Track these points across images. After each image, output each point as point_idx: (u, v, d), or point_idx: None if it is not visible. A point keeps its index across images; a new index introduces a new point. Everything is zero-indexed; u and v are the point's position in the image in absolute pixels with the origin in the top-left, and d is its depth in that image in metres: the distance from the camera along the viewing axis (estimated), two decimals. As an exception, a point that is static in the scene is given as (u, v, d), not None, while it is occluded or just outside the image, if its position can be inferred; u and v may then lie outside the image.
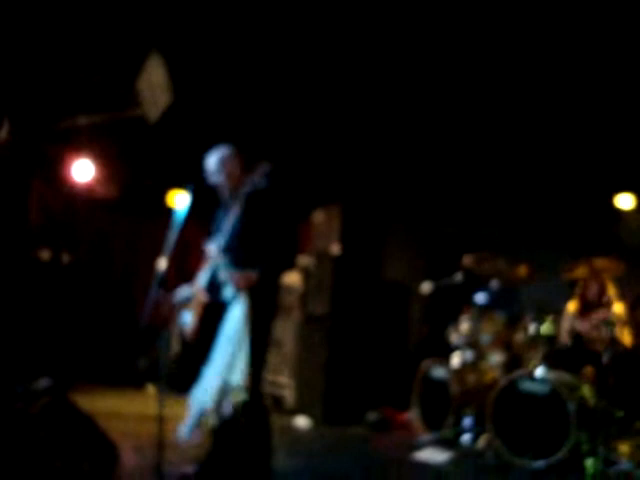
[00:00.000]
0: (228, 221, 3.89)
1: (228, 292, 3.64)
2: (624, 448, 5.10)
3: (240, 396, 3.54)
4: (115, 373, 7.80)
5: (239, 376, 3.50)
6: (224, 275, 3.70)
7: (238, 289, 3.61)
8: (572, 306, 5.80)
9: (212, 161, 4.00)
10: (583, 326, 5.59)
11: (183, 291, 3.93)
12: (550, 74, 5.54)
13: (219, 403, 3.49)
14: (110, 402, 6.59)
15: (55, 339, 7.22)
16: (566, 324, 5.80)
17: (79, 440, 3.09)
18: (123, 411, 6.20)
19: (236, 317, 3.58)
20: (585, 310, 5.70)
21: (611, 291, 5.56)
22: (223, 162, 3.96)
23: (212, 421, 3.54)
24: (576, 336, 5.58)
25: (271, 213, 3.83)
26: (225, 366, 3.49)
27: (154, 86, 5.11)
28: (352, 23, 5.18)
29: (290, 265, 3.97)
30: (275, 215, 3.84)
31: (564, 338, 5.80)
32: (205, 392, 3.51)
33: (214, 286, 3.80)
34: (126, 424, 5.34)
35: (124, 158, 7.75)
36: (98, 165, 7.59)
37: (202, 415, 3.53)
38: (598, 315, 5.51)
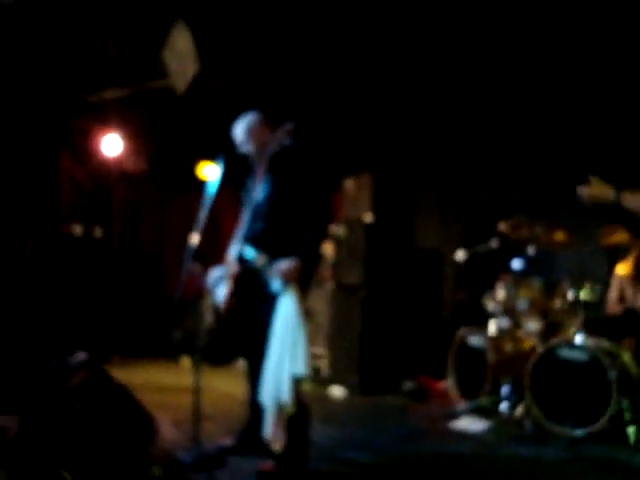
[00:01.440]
0: (257, 189, 3.83)
1: (275, 285, 3.58)
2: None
3: (305, 385, 3.55)
4: (149, 346, 7.85)
5: (303, 365, 3.48)
6: (265, 270, 3.63)
7: (286, 282, 3.55)
8: (622, 270, 5.64)
9: (239, 130, 3.93)
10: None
11: (216, 271, 3.88)
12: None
13: (294, 393, 3.49)
14: (146, 374, 6.65)
15: (90, 313, 7.28)
16: (615, 289, 5.67)
17: (117, 413, 3.09)
18: (159, 383, 6.24)
19: (289, 308, 3.53)
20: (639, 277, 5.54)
21: None
22: (251, 130, 3.89)
23: (289, 411, 3.53)
24: (630, 311, 5.43)
25: (299, 172, 3.75)
26: (288, 357, 3.47)
27: (180, 56, 5.05)
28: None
29: (326, 235, 3.90)
30: (304, 174, 3.75)
31: (612, 304, 5.66)
32: (279, 387, 3.49)
33: (244, 257, 3.76)
34: (162, 396, 5.37)
35: (152, 131, 7.72)
36: (127, 139, 7.57)
37: (279, 410, 3.52)
38: None
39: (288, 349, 3.47)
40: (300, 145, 3.84)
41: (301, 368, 3.47)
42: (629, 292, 5.56)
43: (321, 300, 6.96)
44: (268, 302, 3.59)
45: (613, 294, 5.70)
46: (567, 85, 6.06)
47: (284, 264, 3.54)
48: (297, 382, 3.50)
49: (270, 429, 3.55)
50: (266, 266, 3.63)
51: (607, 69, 5.72)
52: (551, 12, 5.13)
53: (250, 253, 3.72)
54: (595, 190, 3.14)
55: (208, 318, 7.80)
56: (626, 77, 5.75)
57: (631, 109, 6.09)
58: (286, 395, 3.46)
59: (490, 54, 5.77)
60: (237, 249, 3.76)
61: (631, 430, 4.65)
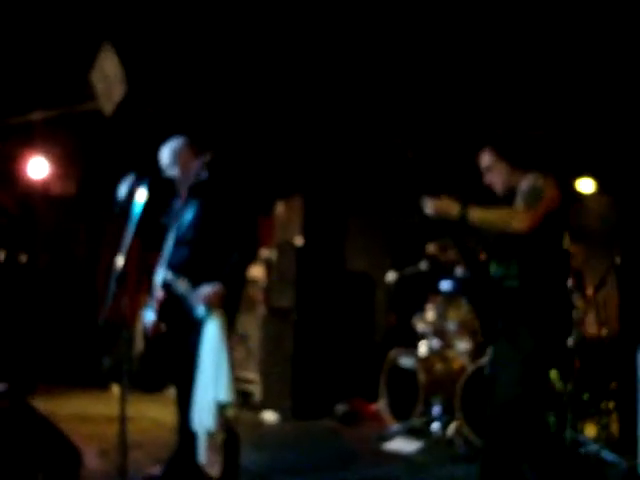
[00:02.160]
0: (182, 214, 3.80)
1: (200, 311, 3.55)
2: (591, 430, 5.16)
3: (230, 411, 3.49)
4: (79, 374, 7.64)
5: (226, 392, 3.44)
6: (189, 297, 3.60)
7: (210, 307, 3.52)
8: None
9: (166, 153, 3.89)
10: None
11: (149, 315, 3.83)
12: (509, 57, 5.52)
13: (219, 419, 3.43)
14: (74, 404, 6.45)
15: (13, 341, 7.04)
16: None
17: (39, 445, 2.99)
18: (88, 413, 6.07)
19: (213, 334, 3.50)
20: None
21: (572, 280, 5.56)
22: (177, 154, 3.85)
23: (221, 437, 3.47)
24: None
25: (223, 198, 3.73)
26: (212, 384, 3.43)
27: (108, 78, 4.99)
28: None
29: (252, 259, 3.87)
30: (228, 200, 3.74)
31: None
32: (204, 414, 3.45)
33: (169, 284, 3.71)
34: (91, 426, 5.22)
35: (81, 154, 7.58)
36: (54, 161, 7.40)
37: (210, 436, 3.47)
38: None
39: (212, 376, 3.44)
40: (224, 171, 3.82)
41: (224, 394, 3.43)
42: None
43: (253, 324, 6.92)
44: (195, 328, 3.55)
45: None
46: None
47: (206, 290, 3.52)
48: (223, 408, 3.46)
49: (204, 455, 3.50)
50: (188, 292, 3.60)
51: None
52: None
53: (171, 279, 3.68)
54: (440, 203, 3.19)
55: (139, 344, 7.67)
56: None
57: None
58: (212, 422, 3.42)
59: (415, 79, 5.89)
60: (162, 274, 3.71)
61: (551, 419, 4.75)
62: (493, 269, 3.25)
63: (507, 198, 3.20)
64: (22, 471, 2.86)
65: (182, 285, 3.63)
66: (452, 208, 3.11)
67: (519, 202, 3.10)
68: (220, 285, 3.51)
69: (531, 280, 3.09)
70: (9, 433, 2.96)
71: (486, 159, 3.43)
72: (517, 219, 3.00)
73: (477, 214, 3.06)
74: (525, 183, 3.14)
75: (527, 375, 3.04)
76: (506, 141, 3.41)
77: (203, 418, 3.44)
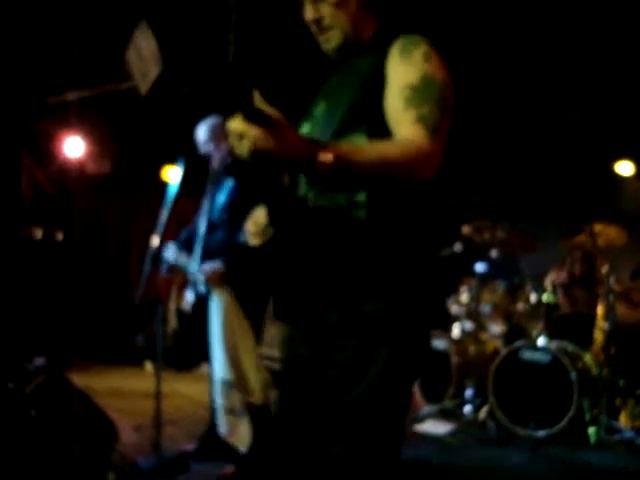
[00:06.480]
0: (217, 195, 3.80)
1: (202, 287, 3.57)
2: (626, 416, 5.09)
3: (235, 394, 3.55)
4: (114, 351, 7.75)
5: (222, 370, 3.50)
6: (191, 273, 3.63)
7: (209, 285, 3.54)
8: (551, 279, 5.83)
9: (202, 131, 3.90)
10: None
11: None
12: (548, 38, 5.42)
13: (228, 396, 3.50)
14: (109, 380, 6.55)
15: (50, 318, 7.15)
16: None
17: (75, 418, 3.04)
18: (122, 389, 6.16)
19: (215, 313, 3.53)
20: (571, 284, 5.71)
21: (603, 265, 5.44)
22: (213, 131, 3.86)
23: (240, 412, 3.58)
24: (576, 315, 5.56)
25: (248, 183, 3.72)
26: (216, 362, 3.51)
27: (144, 57, 4.99)
28: None
29: None
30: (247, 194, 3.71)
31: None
32: (216, 390, 3.54)
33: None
34: (125, 402, 5.29)
35: (116, 133, 7.64)
36: (90, 141, 7.48)
37: (228, 411, 3.55)
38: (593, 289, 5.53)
39: (215, 354, 3.50)
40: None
41: (221, 372, 3.48)
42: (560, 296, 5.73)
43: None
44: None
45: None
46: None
47: (206, 267, 3.53)
48: (227, 385, 3.52)
49: (224, 428, 3.57)
50: (189, 266, 3.62)
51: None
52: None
53: (172, 254, 3.70)
54: (280, 138, 1.58)
55: (172, 322, 7.73)
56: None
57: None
58: (220, 397, 3.49)
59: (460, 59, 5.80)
60: (169, 253, 3.77)
61: (591, 430, 4.70)
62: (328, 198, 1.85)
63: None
64: (60, 443, 2.91)
65: (181, 259, 3.65)
66: (300, 145, 1.59)
67: (404, 113, 1.72)
68: (221, 264, 3.51)
69: (387, 211, 1.79)
70: (45, 406, 3.01)
71: None
72: (421, 161, 1.67)
73: (352, 155, 1.59)
74: (406, 68, 1.76)
75: (386, 373, 1.76)
76: None
77: (216, 393, 3.52)
